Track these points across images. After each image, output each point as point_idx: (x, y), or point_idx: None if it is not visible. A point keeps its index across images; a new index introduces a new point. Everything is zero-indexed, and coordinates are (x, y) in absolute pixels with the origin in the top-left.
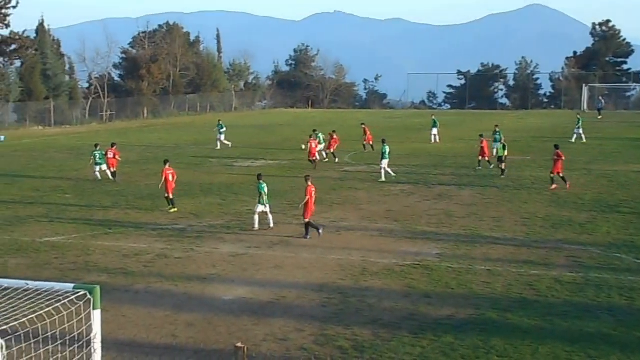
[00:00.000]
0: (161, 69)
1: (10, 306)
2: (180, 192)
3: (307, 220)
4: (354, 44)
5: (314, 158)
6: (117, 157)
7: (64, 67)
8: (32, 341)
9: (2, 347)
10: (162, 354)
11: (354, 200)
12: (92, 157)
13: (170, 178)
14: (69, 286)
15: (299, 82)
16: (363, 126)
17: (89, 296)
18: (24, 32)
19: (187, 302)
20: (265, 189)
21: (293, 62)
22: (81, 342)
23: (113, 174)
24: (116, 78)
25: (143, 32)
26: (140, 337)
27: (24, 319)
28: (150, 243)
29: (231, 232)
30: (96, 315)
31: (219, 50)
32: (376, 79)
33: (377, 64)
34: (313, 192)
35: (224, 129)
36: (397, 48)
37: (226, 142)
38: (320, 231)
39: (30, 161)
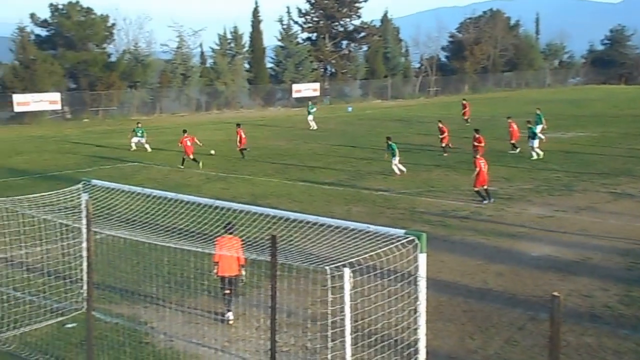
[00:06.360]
0: (482, 50)
1: (354, 244)
2: (493, 158)
3: (476, 189)
4: None
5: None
6: (192, 142)
7: (400, 50)
8: (371, 274)
9: (350, 277)
10: (478, 298)
11: None
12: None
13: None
14: (401, 232)
15: (613, 60)
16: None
17: (416, 241)
18: (371, 21)
19: (497, 255)
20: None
21: (608, 42)
22: (408, 280)
23: (185, 160)
24: (443, 59)
25: (469, 19)
26: (457, 280)
27: (365, 255)
28: (465, 202)
29: (539, 196)
30: (422, 258)
31: (537, 32)
32: None
33: None
34: (482, 165)
35: (143, 132)
36: None
37: (146, 145)
38: (485, 202)
39: (370, 128)
